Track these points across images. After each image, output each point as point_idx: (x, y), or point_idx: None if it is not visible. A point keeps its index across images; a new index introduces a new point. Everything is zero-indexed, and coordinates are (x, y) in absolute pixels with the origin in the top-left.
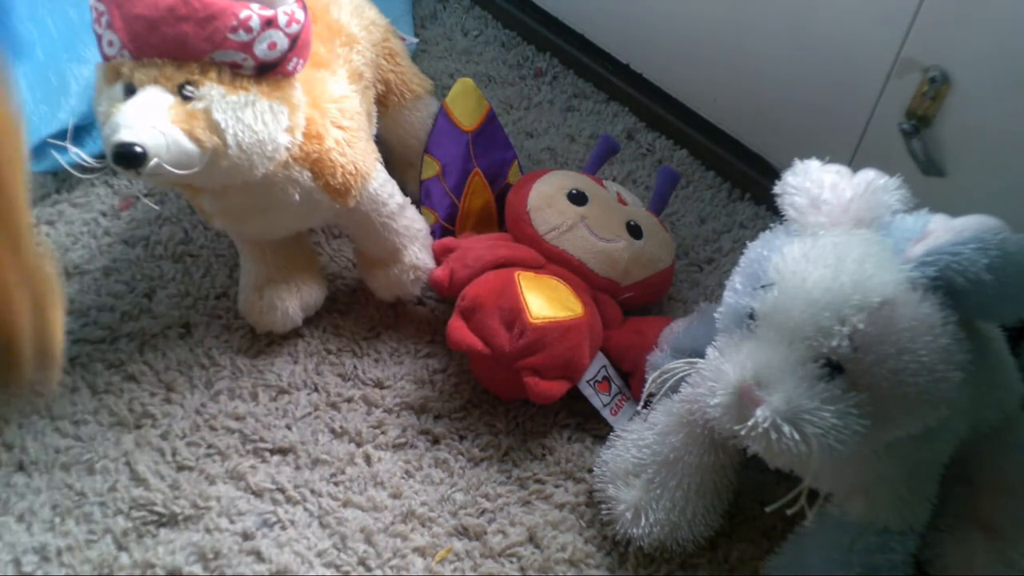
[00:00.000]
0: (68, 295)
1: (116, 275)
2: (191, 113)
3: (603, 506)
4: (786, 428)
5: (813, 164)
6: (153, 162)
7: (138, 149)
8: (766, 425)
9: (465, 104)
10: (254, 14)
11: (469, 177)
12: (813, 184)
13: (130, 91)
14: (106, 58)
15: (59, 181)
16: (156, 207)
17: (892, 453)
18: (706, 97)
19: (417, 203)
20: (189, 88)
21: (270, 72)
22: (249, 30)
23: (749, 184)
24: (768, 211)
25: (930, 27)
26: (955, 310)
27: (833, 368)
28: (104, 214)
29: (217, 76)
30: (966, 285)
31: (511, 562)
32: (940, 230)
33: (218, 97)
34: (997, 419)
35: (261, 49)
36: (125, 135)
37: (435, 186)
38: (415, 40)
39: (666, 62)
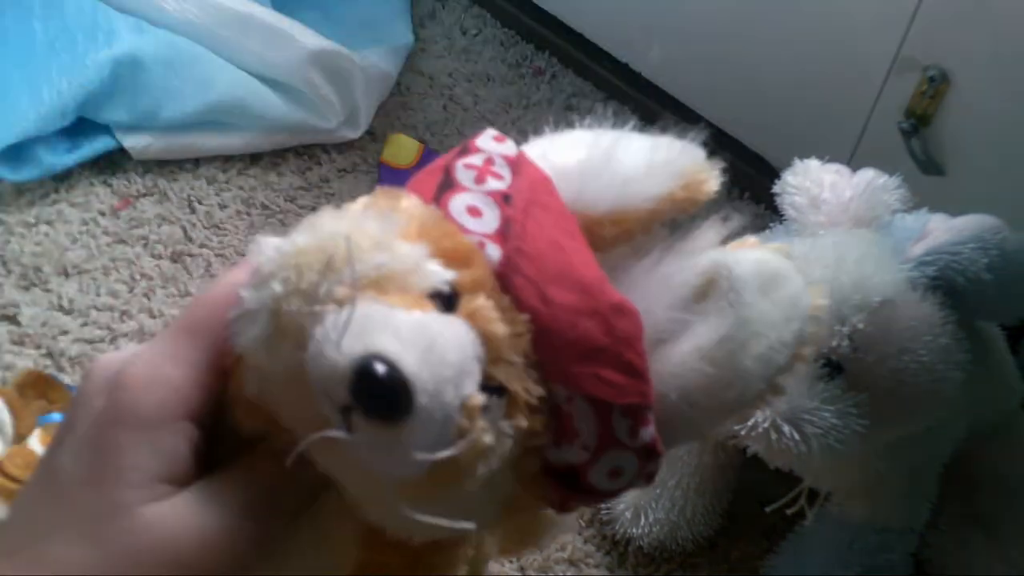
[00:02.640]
0: (67, 295)
1: (115, 274)
2: None
3: (602, 505)
4: (786, 428)
5: (813, 163)
6: None
7: None
8: (766, 425)
9: (400, 149)
10: None
11: None
12: (813, 183)
13: None
14: None
15: (57, 181)
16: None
17: (892, 452)
18: (705, 96)
19: None
20: None
21: None
22: None
23: (748, 183)
24: (768, 210)
25: (929, 26)
26: (955, 310)
27: (833, 368)
28: (103, 213)
29: None
30: (966, 285)
31: (511, 561)
32: (940, 230)
33: None
34: (996, 418)
35: None
36: None
37: None
38: (411, 39)
39: (665, 61)
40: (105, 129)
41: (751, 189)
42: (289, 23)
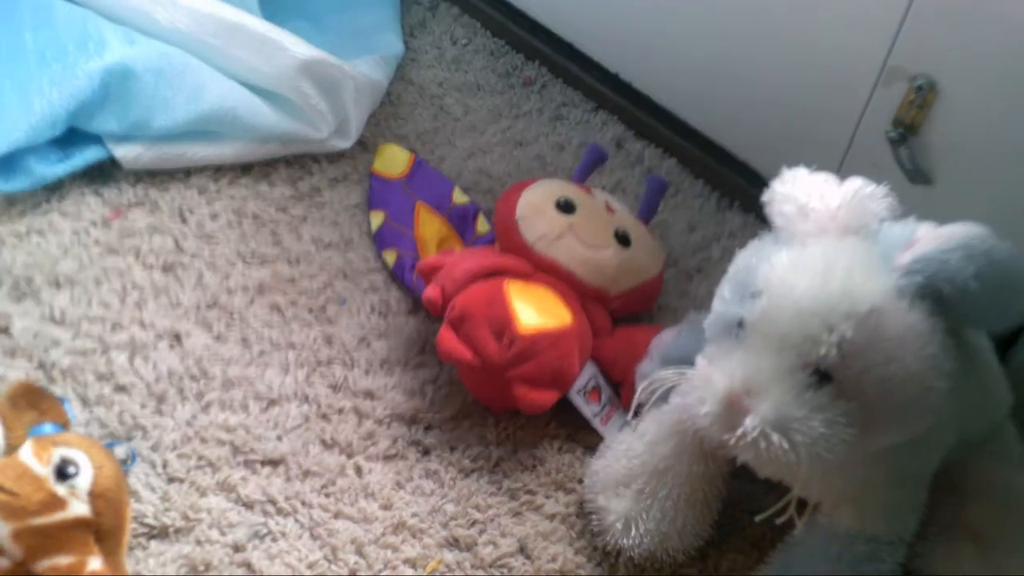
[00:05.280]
0: (59, 306)
1: (107, 285)
2: None
3: (594, 516)
4: (775, 437)
5: (801, 172)
6: None
7: None
8: (755, 434)
9: (390, 159)
10: None
11: (414, 211)
12: (801, 192)
13: None
14: None
15: (49, 191)
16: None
17: (881, 462)
18: (694, 106)
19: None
20: None
21: None
22: None
23: (738, 192)
24: (757, 219)
25: (917, 35)
26: (943, 318)
27: (821, 377)
28: (94, 224)
29: None
30: (954, 293)
31: (502, 573)
32: (927, 238)
33: None
34: (985, 428)
35: None
36: None
37: (386, 229)
38: (401, 49)
39: (655, 71)
40: (96, 139)
41: (740, 198)
42: (279, 33)
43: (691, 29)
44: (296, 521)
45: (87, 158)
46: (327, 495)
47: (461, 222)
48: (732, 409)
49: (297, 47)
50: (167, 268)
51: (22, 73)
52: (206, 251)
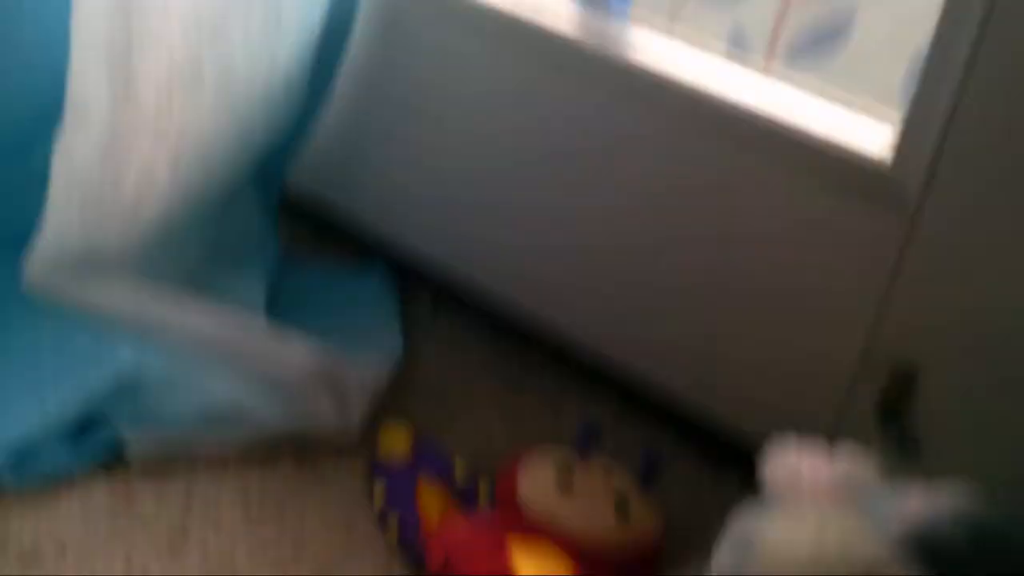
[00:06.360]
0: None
1: (113, 563)
2: None
3: None
4: None
5: (792, 442)
6: None
7: None
8: None
9: (392, 441)
10: None
11: (417, 489)
12: (792, 462)
13: None
14: None
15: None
16: None
17: None
18: (680, 380)
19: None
20: None
21: None
22: None
23: (733, 464)
24: (751, 490)
25: (897, 321)
26: None
27: None
28: (101, 506)
29: None
30: (946, 557)
31: None
32: (918, 503)
33: None
34: None
35: None
36: None
37: (389, 506)
38: (402, 346)
39: (647, 352)
40: (104, 425)
41: (735, 469)
42: (284, 334)
43: (684, 314)
44: None
45: (95, 447)
46: None
47: (464, 497)
48: None
49: (302, 350)
50: (173, 551)
51: (36, 374)
52: (212, 538)
